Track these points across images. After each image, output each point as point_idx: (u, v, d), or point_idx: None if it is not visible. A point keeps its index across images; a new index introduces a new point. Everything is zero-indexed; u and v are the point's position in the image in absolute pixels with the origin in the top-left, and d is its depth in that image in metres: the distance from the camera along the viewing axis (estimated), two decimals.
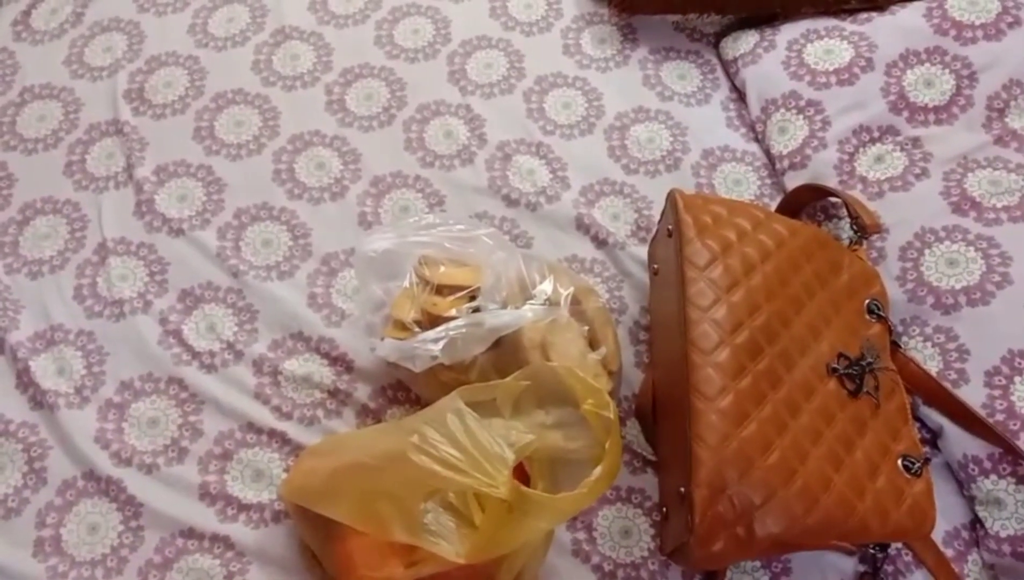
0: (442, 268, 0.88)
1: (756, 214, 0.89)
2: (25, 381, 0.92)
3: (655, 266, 0.93)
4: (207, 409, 0.91)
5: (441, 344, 0.79)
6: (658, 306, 0.93)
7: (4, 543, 0.84)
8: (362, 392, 0.92)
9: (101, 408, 0.90)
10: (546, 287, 0.86)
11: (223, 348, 0.94)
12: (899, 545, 0.84)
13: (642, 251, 1.00)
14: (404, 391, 0.92)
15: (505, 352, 0.84)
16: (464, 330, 0.80)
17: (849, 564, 0.84)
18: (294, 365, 0.93)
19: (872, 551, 0.82)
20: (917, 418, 0.89)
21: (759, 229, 0.87)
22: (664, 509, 0.82)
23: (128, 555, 0.84)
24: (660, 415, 0.86)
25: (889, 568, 0.84)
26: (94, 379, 0.92)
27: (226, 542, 0.84)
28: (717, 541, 0.73)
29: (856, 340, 0.86)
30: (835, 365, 0.82)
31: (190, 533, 0.85)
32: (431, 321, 0.85)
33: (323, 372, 0.93)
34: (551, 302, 0.86)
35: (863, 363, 0.83)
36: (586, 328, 0.88)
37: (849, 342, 0.85)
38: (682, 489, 0.75)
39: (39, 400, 0.91)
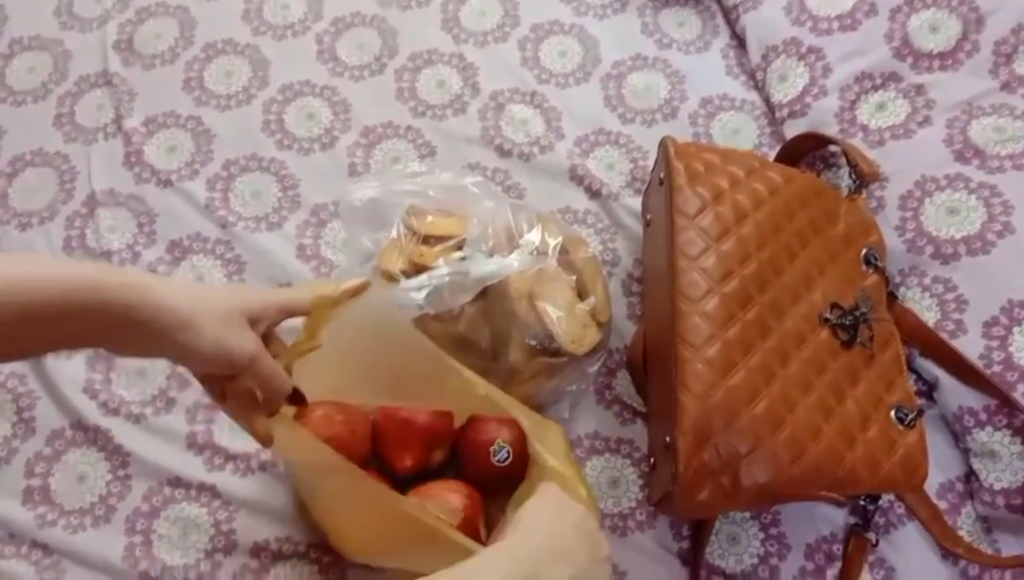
0: (429, 218, 0.86)
1: (750, 162, 0.87)
2: None
3: (648, 216, 0.91)
4: None
5: (425, 293, 0.78)
6: (650, 256, 0.91)
7: None
8: None
9: (89, 358, 0.90)
10: (534, 236, 0.84)
11: None
12: (891, 498, 0.84)
13: (637, 202, 0.98)
14: None
15: (492, 302, 0.83)
16: (448, 279, 0.79)
17: (840, 516, 0.83)
18: None
19: (863, 503, 0.81)
20: (913, 369, 0.88)
21: (753, 177, 0.85)
22: (652, 459, 0.82)
23: (116, 503, 0.84)
24: (650, 366, 0.85)
25: (881, 520, 0.83)
26: None
27: (213, 491, 0.84)
28: (702, 490, 0.73)
29: (851, 290, 0.84)
30: (828, 315, 0.80)
31: (177, 482, 0.85)
32: (418, 271, 0.84)
33: None
34: (539, 252, 0.84)
35: (857, 313, 0.81)
36: (574, 278, 0.86)
37: (844, 292, 0.83)
38: (668, 438, 0.74)
39: None
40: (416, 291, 0.78)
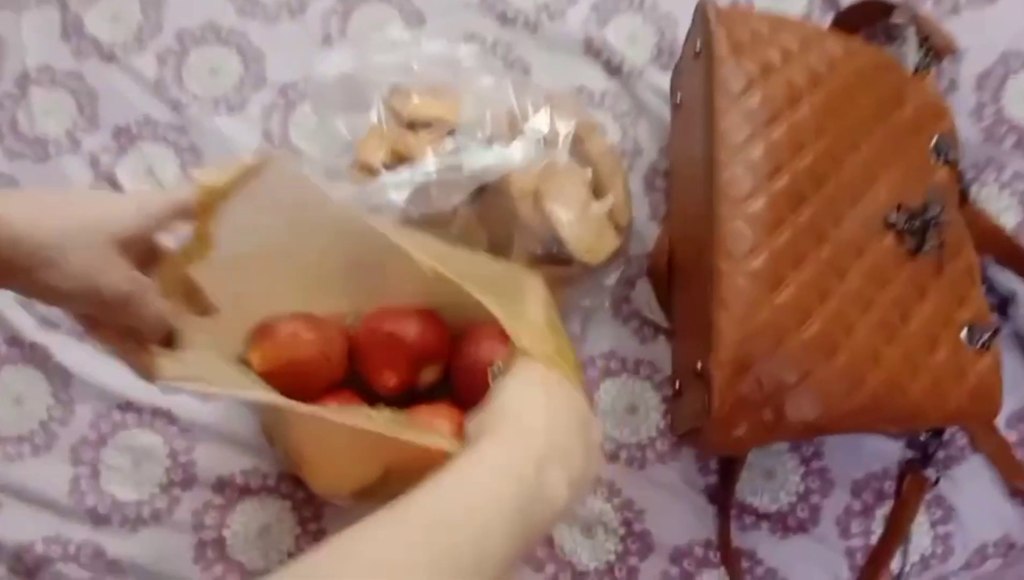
0: (415, 99, 0.73)
1: (805, 31, 0.72)
2: None
3: (679, 97, 0.77)
4: None
5: (408, 191, 0.65)
6: (681, 145, 0.77)
7: None
8: None
9: None
10: (540, 122, 0.71)
11: None
12: (953, 427, 0.72)
13: (664, 80, 0.84)
14: None
15: (490, 202, 0.70)
16: (437, 175, 0.66)
17: (894, 449, 0.73)
18: None
19: (924, 436, 0.70)
20: (986, 281, 0.75)
21: (808, 49, 0.70)
22: (677, 384, 0.70)
23: (58, 430, 0.74)
24: (678, 276, 0.73)
25: (940, 455, 0.72)
26: None
27: (168, 417, 0.74)
28: (739, 426, 0.61)
29: (919, 187, 0.70)
30: (894, 218, 0.67)
31: (127, 406, 0.75)
32: (403, 163, 0.70)
33: None
34: (547, 141, 0.71)
35: (927, 216, 0.68)
36: (589, 173, 0.73)
37: (911, 190, 0.69)
38: (699, 365, 0.62)
39: None
40: (397, 189, 0.65)
